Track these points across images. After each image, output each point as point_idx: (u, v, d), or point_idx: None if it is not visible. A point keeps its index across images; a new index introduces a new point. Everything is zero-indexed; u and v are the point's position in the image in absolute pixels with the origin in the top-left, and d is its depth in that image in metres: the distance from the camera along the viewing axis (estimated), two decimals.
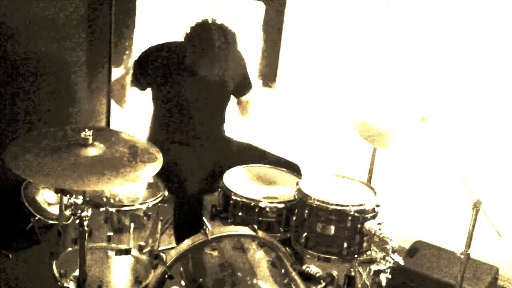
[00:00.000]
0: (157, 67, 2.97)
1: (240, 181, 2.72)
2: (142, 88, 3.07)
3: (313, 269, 2.63)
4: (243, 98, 3.26)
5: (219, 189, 2.68)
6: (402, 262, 2.37)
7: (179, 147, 2.97)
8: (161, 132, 3.08)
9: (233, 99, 3.25)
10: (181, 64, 2.95)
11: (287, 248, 2.46)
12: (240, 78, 3.17)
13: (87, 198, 2.24)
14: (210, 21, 2.86)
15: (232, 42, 2.87)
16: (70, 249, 2.59)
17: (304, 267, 2.64)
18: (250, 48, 3.29)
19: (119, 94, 3.09)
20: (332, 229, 2.43)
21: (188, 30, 2.89)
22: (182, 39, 2.91)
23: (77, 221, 2.22)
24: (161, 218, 2.72)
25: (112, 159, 2.20)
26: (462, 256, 2.46)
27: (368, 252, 2.48)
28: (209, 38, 2.80)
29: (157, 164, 2.24)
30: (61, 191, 2.22)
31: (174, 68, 2.97)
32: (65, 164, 2.12)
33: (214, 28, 2.82)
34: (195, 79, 2.97)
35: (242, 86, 3.21)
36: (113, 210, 2.58)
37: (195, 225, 2.67)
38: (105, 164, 2.16)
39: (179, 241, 2.40)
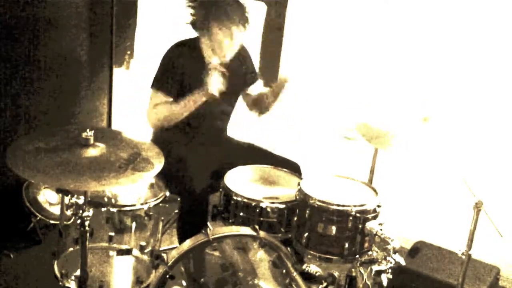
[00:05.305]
0: (173, 69, 2.95)
1: (241, 181, 2.72)
2: (170, 97, 2.97)
3: (312, 268, 2.63)
4: (252, 92, 3.23)
5: (220, 189, 2.68)
6: (403, 263, 2.37)
7: (183, 147, 2.96)
8: (166, 131, 3.06)
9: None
10: (193, 58, 2.95)
11: (288, 248, 2.46)
12: (251, 66, 3.20)
13: (89, 198, 2.25)
14: None
15: (245, 12, 2.91)
16: (71, 249, 2.59)
17: (304, 266, 2.64)
18: (251, 48, 3.28)
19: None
20: (334, 229, 2.43)
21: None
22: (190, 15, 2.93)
23: (79, 221, 2.22)
24: (162, 218, 2.73)
25: (105, 161, 2.19)
26: (464, 257, 2.45)
27: (369, 253, 2.48)
28: (227, 12, 2.84)
29: (147, 174, 2.20)
30: (63, 191, 2.23)
31: (186, 64, 2.95)
32: (64, 164, 2.13)
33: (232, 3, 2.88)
34: (204, 78, 2.97)
35: (250, 75, 3.21)
36: (114, 210, 2.59)
37: (200, 225, 2.67)
38: (95, 165, 2.16)
39: (184, 239, 2.40)
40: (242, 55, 3.10)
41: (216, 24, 2.87)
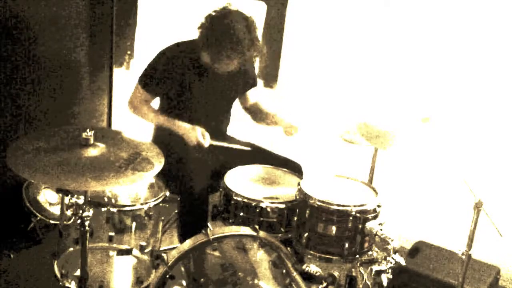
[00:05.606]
0: (166, 72, 2.95)
1: (241, 181, 2.72)
2: (154, 97, 3.06)
3: (312, 268, 2.63)
4: (250, 99, 3.24)
5: (220, 189, 2.68)
6: (403, 263, 2.37)
7: (184, 147, 2.97)
8: (166, 131, 3.06)
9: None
10: (192, 63, 2.95)
11: (288, 248, 2.46)
12: (252, 72, 3.18)
13: (89, 198, 2.25)
14: (229, 9, 2.83)
15: (253, 31, 2.85)
16: (71, 249, 2.59)
17: (304, 266, 2.64)
18: None
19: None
20: (334, 229, 2.43)
21: (207, 20, 2.85)
22: (199, 29, 2.88)
23: (79, 221, 2.22)
24: (163, 218, 2.73)
25: (105, 161, 2.19)
26: (464, 257, 2.46)
27: (370, 253, 2.48)
28: (232, 27, 2.77)
29: (147, 174, 2.20)
30: (63, 191, 2.23)
31: (184, 68, 2.95)
32: (65, 164, 2.13)
33: (236, 14, 2.81)
34: (202, 79, 2.97)
35: (250, 81, 3.20)
36: (115, 210, 2.59)
37: (200, 225, 2.67)
38: (95, 165, 2.16)
39: (184, 239, 2.40)
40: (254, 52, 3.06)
41: (227, 56, 2.82)
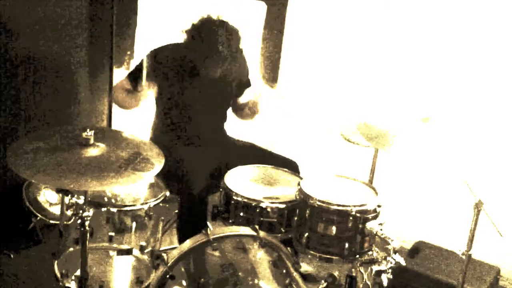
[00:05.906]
0: (161, 69, 2.95)
1: (241, 181, 2.72)
2: (135, 88, 3.05)
3: (304, 267, 2.63)
4: (241, 100, 3.24)
5: (220, 190, 2.68)
6: (403, 263, 2.37)
7: (182, 147, 2.97)
8: (164, 133, 3.07)
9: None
10: (185, 64, 2.95)
11: (288, 248, 2.46)
12: (241, 77, 3.17)
13: (89, 198, 2.25)
14: (213, 19, 2.85)
15: (236, 40, 2.86)
16: (71, 249, 2.59)
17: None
18: (251, 48, 3.28)
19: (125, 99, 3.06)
20: (334, 229, 2.43)
21: (191, 28, 2.88)
22: (183, 36, 2.90)
23: (79, 221, 2.22)
24: (163, 218, 2.72)
25: (105, 161, 2.19)
26: (464, 257, 2.45)
27: (370, 253, 2.48)
28: (213, 37, 2.79)
29: (147, 174, 2.21)
30: (63, 191, 2.23)
31: (178, 69, 2.96)
32: (64, 164, 2.13)
33: (218, 26, 2.82)
34: (197, 79, 2.97)
35: (242, 85, 3.20)
36: (115, 210, 2.59)
37: (200, 225, 2.67)
38: (95, 165, 2.16)
39: (183, 240, 2.40)
40: (240, 60, 3.08)
41: (213, 64, 2.86)
